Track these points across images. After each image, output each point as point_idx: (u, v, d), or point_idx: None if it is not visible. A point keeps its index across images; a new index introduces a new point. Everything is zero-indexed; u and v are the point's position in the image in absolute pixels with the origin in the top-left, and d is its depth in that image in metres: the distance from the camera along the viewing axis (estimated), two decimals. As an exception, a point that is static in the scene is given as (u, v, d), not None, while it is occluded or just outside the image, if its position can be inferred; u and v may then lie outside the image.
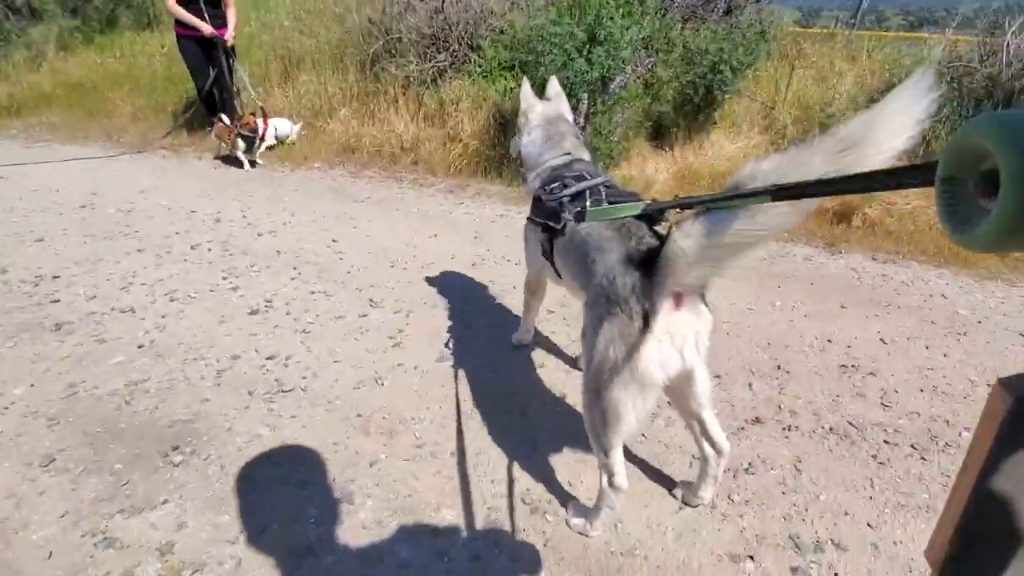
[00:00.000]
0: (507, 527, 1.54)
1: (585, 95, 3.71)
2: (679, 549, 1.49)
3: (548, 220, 1.62)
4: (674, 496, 1.64)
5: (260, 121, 5.04)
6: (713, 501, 1.61)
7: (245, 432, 1.86)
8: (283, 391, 2.06)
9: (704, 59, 4.02)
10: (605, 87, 3.90)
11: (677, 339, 1.22)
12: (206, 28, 5.06)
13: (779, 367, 2.24)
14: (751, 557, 1.47)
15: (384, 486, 1.65)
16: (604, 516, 1.46)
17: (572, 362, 2.25)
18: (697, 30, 4.56)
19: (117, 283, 2.87)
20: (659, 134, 4.63)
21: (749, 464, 1.77)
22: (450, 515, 1.57)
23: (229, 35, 5.25)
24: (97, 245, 3.36)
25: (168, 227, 3.65)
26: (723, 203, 0.93)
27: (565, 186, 1.61)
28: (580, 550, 1.48)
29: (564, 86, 2.18)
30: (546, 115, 1.94)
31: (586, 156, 1.90)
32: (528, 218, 1.82)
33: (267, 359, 2.25)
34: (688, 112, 4.48)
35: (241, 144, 4.95)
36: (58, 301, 2.68)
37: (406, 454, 1.78)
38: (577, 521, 1.52)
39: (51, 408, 1.95)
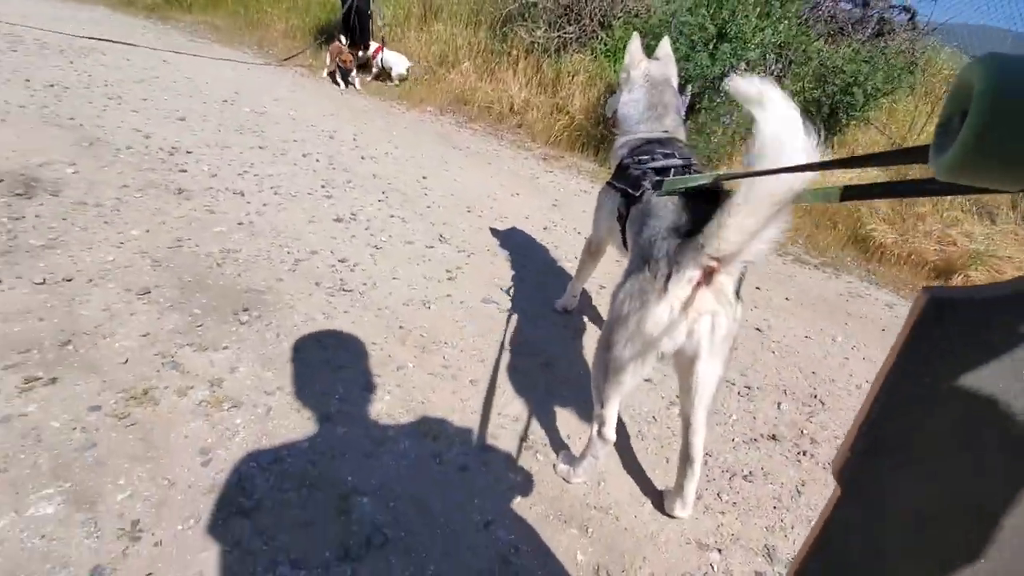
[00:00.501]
0: (500, 454, 1.67)
1: (690, 88, 3.62)
2: (651, 522, 1.55)
3: (629, 187, 1.61)
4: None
5: (372, 50, 5.77)
6: (699, 493, 1.64)
7: (304, 313, 2.10)
8: (344, 290, 2.29)
9: (837, 78, 3.78)
10: (720, 85, 3.80)
11: (691, 313, 1.22)
12: None
13: (815, 396, 2.18)
14: (719, 550, 1.50)
15: (404, 389, 1.83)
16: (587, 465, 1.55)
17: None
18: (838, 48, 4.28)
19: (236, 169, 3.25)
20: (770, 148, 4.43)
21: (750, 472, 1.77)
22: (452, 429, 1.71)
23: None
24: (228, 135, 3.78)
25: (289, 134, 4.04)
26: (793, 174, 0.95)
27: (654, 159, 1.61)
28: (558, 493, 1.58)
29: (678, 79, 2.06)
30: (651, 76, 1.82)
31: (682, 136, 1.84)
32: (608, 182, 1.80)
33: (339, 261, 2.50)
34: (807, 132, 4.24)
35: (338, 71, 5.74)
36: (185, 171, 3.08)
37: (431, 369, 1.95)
38: (563, 467, 1.62)
39: (158, 253, 2.29)
